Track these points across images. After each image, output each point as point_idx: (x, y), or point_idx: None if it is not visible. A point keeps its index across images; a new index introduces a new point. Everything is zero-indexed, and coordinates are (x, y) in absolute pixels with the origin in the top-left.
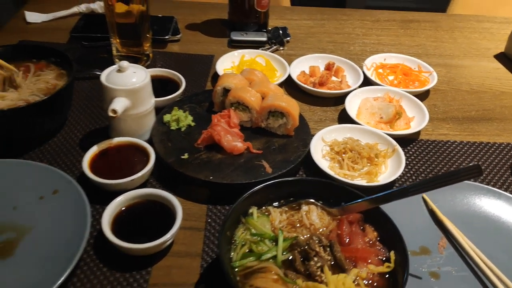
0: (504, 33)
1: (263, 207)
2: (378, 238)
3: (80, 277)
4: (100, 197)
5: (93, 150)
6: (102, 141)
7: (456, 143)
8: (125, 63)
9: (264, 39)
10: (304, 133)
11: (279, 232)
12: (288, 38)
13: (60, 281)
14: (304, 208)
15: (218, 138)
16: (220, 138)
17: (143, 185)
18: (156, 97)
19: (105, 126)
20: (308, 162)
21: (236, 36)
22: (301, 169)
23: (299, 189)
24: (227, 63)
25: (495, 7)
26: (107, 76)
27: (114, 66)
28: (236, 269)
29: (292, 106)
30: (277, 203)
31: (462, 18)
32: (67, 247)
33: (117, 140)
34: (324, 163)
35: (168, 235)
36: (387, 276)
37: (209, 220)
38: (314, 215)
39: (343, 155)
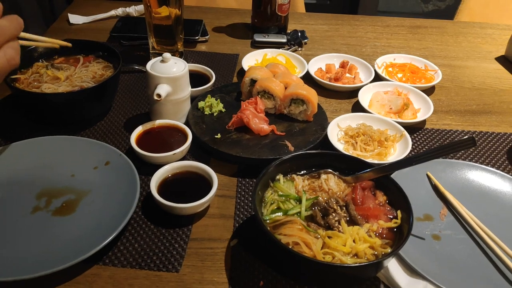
0: (505, 38)
1: (288, 175)
2: (387, 201)
3: (131, 231)
4: (146, 169)
5: (139, 129)
6: (145, 123)
7: (458, 132)
8: (168, 55)
9: (284, 40)
10: (322, 119)
11: (302, 193)
12: (306, 40)
13: (115, 234)
14: (323, 176)
15: (247, 120)
16: (249, 120)
17: (182, 160)
18: (191, 88)
19: (145, 112)
20: (325, 145)
21: (259, 38)
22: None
23: (319, 161)
24: (251, 61)
25: (499, 15)
26: (151, 65)
27: (157, 58)
28: (267, 221)
29: (311, 94)
30: (300, 172)
31: (466, 25)
32: (120, 207)
33: (159, 121)
34: (339, 146)
35: (206, 198)
36: (394, 230)
37: (239, 190)
38: (332, 182)
39: (357, 138)
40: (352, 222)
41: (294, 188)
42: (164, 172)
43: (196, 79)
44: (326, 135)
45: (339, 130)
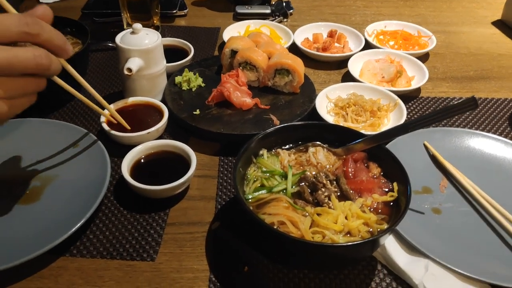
0: (501, 2)
1: (273, 150)
2: (382, 173)
3: (102, 218)
4: (119, 150)
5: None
6: (118, 100)
7: (455, 99)
8: (138, 25)
9: (268, 11)
10: (309, 91)
11: (288, 168)
12: (291, 11)
13: (82, 221)
14: (311, 149)
15: (227, 94)
16: (230, 94)
17: (158, 139)
18: (167, 63)
19: (119, 91)
20: (314, 118)
21: (241, 9)
22: None
23: (306, 133)
24: (233, 33)
25: None
26: (121, 38)
27: (128, 30)
28: (250, 200)
29: (297, 63)
30: (286, 146)
31: None
32: (89, 192)
33: (132, 99)
34: (329, 118)
35: (183, 179)
36: (391, 204)
37: (222, 169)
38: (320, 155)
39: (347, 109)
40: (343, 197)
41: (280, 164)
42: (137, 152)
43: (173, 54)
44: (315, 107)
45: (328, 102)
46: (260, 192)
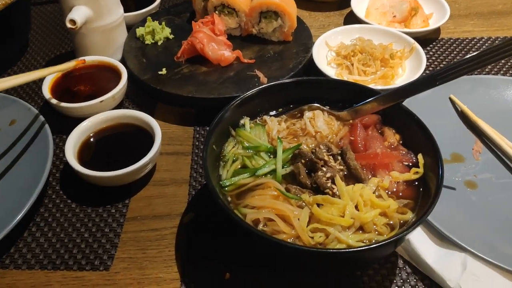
0: None
1: (258, 118)
2: (401, 142)
3: (44, 216)
4: (68, 126)
5: (54, 71)
6: (66, 62)
7: (483, 40)
8: None
9: None
10: (304, 37)
11: (278, 141)
12: None
13: (16, 220)
14: (308, 114)
15: (200, 47)
16: (203, 46)
17: (116, 109)
18: (125, 12)
19: (71, 50)
20: (311, 72)
21: None
22: None
23: (300, 93)
24: None
25: None
26: None
27: None
28: (227, 188)
29: (287, 3)
30: (274, 111)
31: None
32: (26, 183)
33: (82, 58)
34: (330, 71)
35: (145, 159)
36: (415, 183)
37: (197, 143)
38: (320, 121)
39: (352, 58)
40: (352, 177)
41: (266, 136)
42: (85, 129)
43: (136, 1)
44: (312, 59)
45: (328, 51)
46: (241, 176)
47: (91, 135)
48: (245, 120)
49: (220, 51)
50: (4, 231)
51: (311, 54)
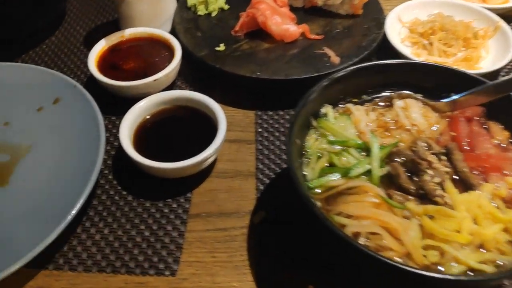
0: None
1: (340, 105)
2: (511, 140)
3: (98, 209)
4: (116, 106)
5: (101, 45)
6: (112, 33)
7: None
8: None
9: None
10: (375, 10)
11: (371, 136)
12: None
13: (70, 217)
14: (399, 103)
15: (262, 20)
16: (266, 20)
17: (168, 89)
18: None
19: (113, 19)
20: (384, 51)
21: None
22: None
23: (387, 78)
24: None
25: None
26: None
27: None
28: (314, 191)
29: None
30: (357, 99)
31: None
32: (77, 171)
33: (130, 31)
34: (405, 51)
35: (210, 150)
36: None
37: (260, 129)
38: (415, 112)
39: (431, 36)
40: (459, 183)
41: (354, 128)
42: (141, 111)
43: None
44: (385, 36)
45: (401, 27)
46: (330, 177)
47: (147, 118)
48: (327, 109)
49: (285, 25)
50: (59, 227)
51: (384, 31)
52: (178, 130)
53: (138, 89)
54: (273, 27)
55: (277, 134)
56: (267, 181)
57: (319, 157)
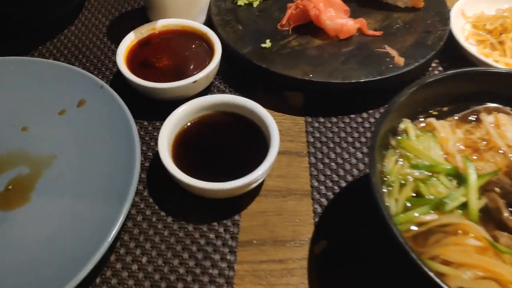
0: None
1: (419, 119)
2: None
3: (133, 233)
4: (146, 108)
5: (130, 39)
6: (139, 27)
7: None
8: None
9: None
10: (437, 3)
11: (465, 161)
12: None
13: (104, 247)
14: (488, 119)
15: (316, 13)
16: (320, 13)
17: (205, 91)
18: None
19: (140, 7)
20: (449, 50)
21: None
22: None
23: (476, 87)
24: None
25: None
26: None
27: None
28: (400, 227)
29: None
30: (437, 112)
31: None
32: (109, 188)
33: (162, 23)
34: (471, 50)
35: (263, 168)
36: None
37: (311, 139)
38: (510, 131)
39: (503, 35)
40: None
41: (439, 148)
42: (180, 118)
43: None
44: (451, 33)
45: (465, 22)
46: (419, 211)
47: (187, 127)
48: (407, 125)
49: (339, 19)
50: (92, 259)
51: (450, 27)
52: (222, 141)
53: (175, 91)
54: (328, 21)
55: (331, 145)
56: (325, 202)
57: (402, 185)
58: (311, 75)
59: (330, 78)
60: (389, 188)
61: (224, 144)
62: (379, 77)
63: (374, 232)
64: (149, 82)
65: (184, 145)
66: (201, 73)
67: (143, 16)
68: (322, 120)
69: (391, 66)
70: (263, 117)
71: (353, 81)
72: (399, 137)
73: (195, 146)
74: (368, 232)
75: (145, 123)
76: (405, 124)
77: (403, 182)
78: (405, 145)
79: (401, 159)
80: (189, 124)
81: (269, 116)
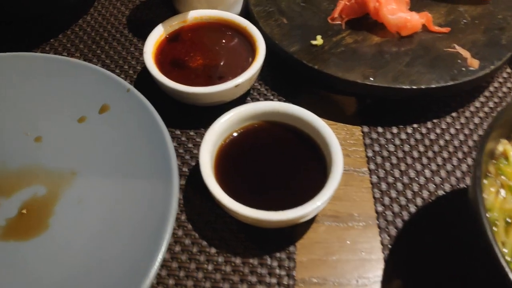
0: None
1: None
2: None
3: (171, 267)
4: (179, 115)
5: (158, 33)
6: (168, 20)
7: None
8: None
9: None
10: None
11: None
12: None
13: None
14: None
15: (375, 6)
16: (381, 5)
17: (244, 95)
18: None
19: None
20: None
21: None
22: None
23: None
24: None
25: None
26: None
27: None
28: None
29: None
30: None
31: None
32: (143, 214)
33: (195, 15)
34: None
35: (325, 196)
36: None
37: (370, 153)
38: None
39: None
40: None
41: None
42: (222, 130)
43: None
44: None
45: None
46: None
47: (229, 140)
48: (505, 147)
49: (401, 13)
50: None
51: None
52: (273, 158)
53: (214, 96)
54: (389, 16)
55: (394, 160)
56: (394, 231)
57: (508, 223)
58: (371, 79)
59: (395, 83)
60: (494, 228)
61: (275, 161)
62: (452, 83)
63: (464, 272)
64: (186, 87)
65: (228, 162)
66: (243, 75)
67: (167, 4)
68: (380, 130)
69: (463, 69)
70: (322, 131)
71: (422, 86)
72: (499, 164)
73: (241, 163)
74: (453, 272)
75: (177, 132)
76: (503, 145)
77: (509, 220)
78: (507, 173)
79: (503, 190)
80: (232, 137)
81: (329, 130)
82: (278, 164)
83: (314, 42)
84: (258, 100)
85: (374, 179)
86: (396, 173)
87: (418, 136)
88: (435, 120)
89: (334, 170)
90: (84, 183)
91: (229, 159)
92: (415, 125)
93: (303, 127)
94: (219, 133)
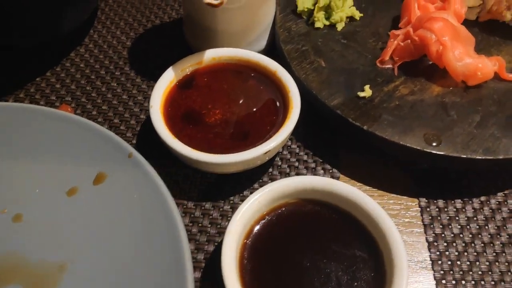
0: None
1: None
2: None
3: None
4: (194, 184)
5: (166, 80)
6: (179, 62)
7: None
8: None
9: None
10: None
11: None
12: None
13: None
14: None
15: (439, 49)
16: (446, 49)
17: (270, 160)
18: None
19: (174, 19)
20: None
21: None
22: None
23: None
24: None
25: None
26: None
27: None
28: None
29: None
30: None
31: None
32: None
33: (212, 55)
34: None
35: None
36: None
37: (432, 236)
38: None
39: None
40: None
41: None
42: (250, 214)
43: None
44: None
45: None
46: None
47: (261, 225)
48: None
49: (469, 58)
50: None
51: None
52: (314, 251)
53: (239, 165)
54: (456, 62)
55: (460, 247)
56: None
57: None
58: (434, 144)
59: (465, 151)
60: None
61: (318, 256)
62: None
63: None
64: (203, 154)
65: (259, 256)
66: (275, 139)
67: (175, 32)
68: (441, 204)
69: None
70: (375, 215)
71: (500, 157)
72: None
73: (275, 257)
74: None
75: (190, 204)
76: None
77: None
78: None
79: None
80: (261, 223)
81: (387, 218)
82: (323, 260)
83: (361, 94)
84: (288, 161)
85: (438, 273)
86: (464, 265)
87: (487, 211)
88: (506, 191)
89: (399, 278)
90: (75, 281)
91: (260, 251)
92: (482, 198)
93: (350, 209)
94: (246, 220)
